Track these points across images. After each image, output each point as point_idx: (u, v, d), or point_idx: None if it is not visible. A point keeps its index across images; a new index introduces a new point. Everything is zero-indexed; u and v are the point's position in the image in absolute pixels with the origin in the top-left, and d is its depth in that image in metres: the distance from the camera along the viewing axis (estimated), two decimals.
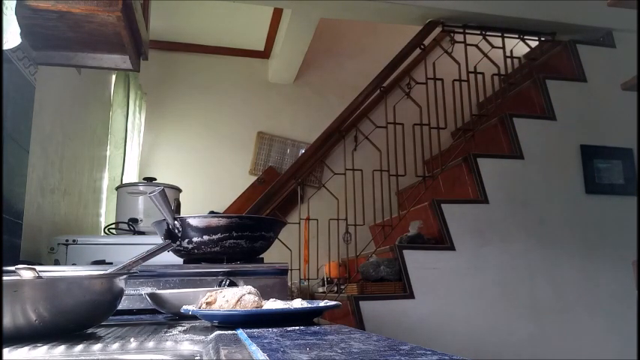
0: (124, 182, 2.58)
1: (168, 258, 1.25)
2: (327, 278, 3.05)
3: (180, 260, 1.34)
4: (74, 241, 1.54)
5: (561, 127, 3.13)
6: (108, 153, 2.71)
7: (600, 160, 3.09)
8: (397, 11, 3.11)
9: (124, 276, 0.77)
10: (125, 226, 1.85)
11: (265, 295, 0.83)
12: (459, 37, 3.28)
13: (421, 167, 3.13)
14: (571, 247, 2.90)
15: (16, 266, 0.65)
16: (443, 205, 2.79)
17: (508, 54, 3.30)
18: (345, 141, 3.22)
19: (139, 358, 0.57)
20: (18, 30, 1.03)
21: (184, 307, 0.80)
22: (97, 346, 0.60)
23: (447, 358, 0.44)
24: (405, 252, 2.65)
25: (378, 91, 3.11)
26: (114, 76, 2.82)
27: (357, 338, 0.56)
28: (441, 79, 3.12)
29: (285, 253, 2.75)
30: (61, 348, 0.59)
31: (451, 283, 2.67)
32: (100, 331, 0.76)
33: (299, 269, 2.96)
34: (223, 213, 3.04)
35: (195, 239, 1.22)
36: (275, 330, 0.67)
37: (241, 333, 0.65)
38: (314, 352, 0.48)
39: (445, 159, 3.11)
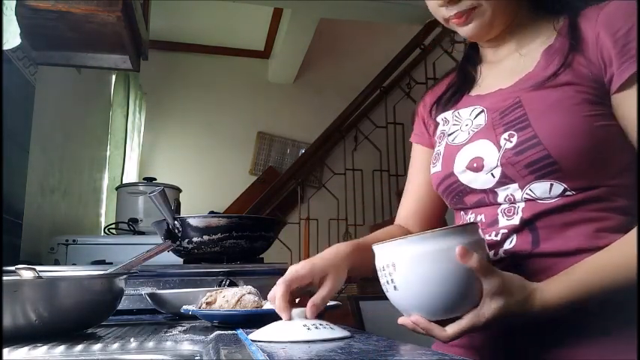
0: (124, 182, 2.58)
1: (168, 258, 1.25)
2: None
3: (180, 260, 1.34)
4: (74, 241, 1.54)
5: None
6: (108, 153, 2.71)
7: None
8: (397, 11, 3.11)
9: (124, 276, 0.77)
10: (125, 226, 1.85)
11: (265, 295, 0.83)
12: (459, 37, 3.27)
13: None
14: None
15: (16, 266, 0.65)
16: None
17: None
18: (345, 141, 3.22)
19: (138, 358, 0.57)
20: (18, 30, 1.03)
21: (184, 307, 0.80)
22: (97, 346, 0.60)
23: (447, 358, 0.44)
24: None
25: (378, 91, 3.11)
26: (114, 76, 2.82)
27: (357, 338, 0.56)
28: None
29: (285, 253, 2.75)
30: (61, 348, 0.59)
31: None
32: (100, 331, 0.76)
33: None
34: (223, 213, 3.04)
35: (195, 239, 1.22)
36: None
37: (241, 333, 0.65)
38: (314, 352, 0.48)
39: None
